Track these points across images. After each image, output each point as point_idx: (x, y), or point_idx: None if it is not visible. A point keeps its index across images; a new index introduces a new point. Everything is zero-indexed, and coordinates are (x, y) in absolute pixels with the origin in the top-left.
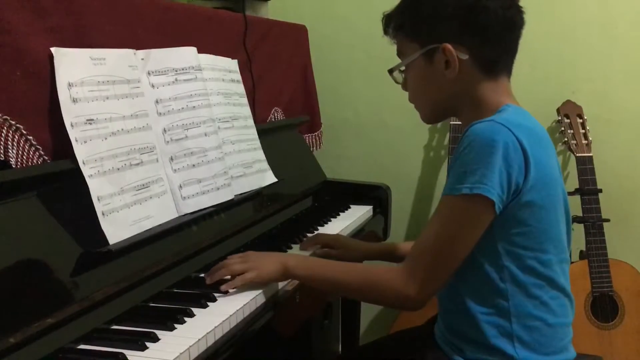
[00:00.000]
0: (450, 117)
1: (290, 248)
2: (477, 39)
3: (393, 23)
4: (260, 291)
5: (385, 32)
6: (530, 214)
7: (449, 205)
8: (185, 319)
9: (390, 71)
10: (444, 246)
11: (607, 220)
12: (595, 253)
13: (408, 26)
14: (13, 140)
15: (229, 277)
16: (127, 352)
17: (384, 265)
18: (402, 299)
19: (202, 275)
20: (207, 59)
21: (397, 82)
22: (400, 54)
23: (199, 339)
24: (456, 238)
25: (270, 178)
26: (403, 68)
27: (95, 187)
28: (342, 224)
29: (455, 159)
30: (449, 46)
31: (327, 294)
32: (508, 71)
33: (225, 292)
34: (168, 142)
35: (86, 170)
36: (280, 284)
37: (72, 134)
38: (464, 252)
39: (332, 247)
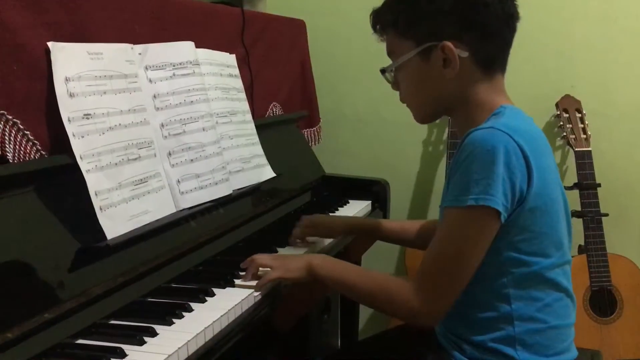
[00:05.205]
0: (442, 116)
1: (288, 244)
2: (477, 35)
3: (384, 20)
4: None
5: (374, 29)
6: (533, 219)
7: (454, 218)
8: (184, 313)
9: (383, 71)
10: (452, 261)
11: (606, 215)
12: (594, 247)
13: (402, 23)
14: (10, 135)
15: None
16: (125, 347)
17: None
18: (408, 310)
19: (201, 269)
20: (205, 53)
21: (389, 82)
22: (391, 53)
23: (197, 334)
24: (463, 252)
25: (268, 173)
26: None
27: (93, 182)
28: None
29: (456, 168)
30: (450, 44)
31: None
32: (503, 67)
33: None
34: (166, 137)
35: (84, 165)
36: None
37: (70, 128)
38: (473, 265)
39: (314, 230)
